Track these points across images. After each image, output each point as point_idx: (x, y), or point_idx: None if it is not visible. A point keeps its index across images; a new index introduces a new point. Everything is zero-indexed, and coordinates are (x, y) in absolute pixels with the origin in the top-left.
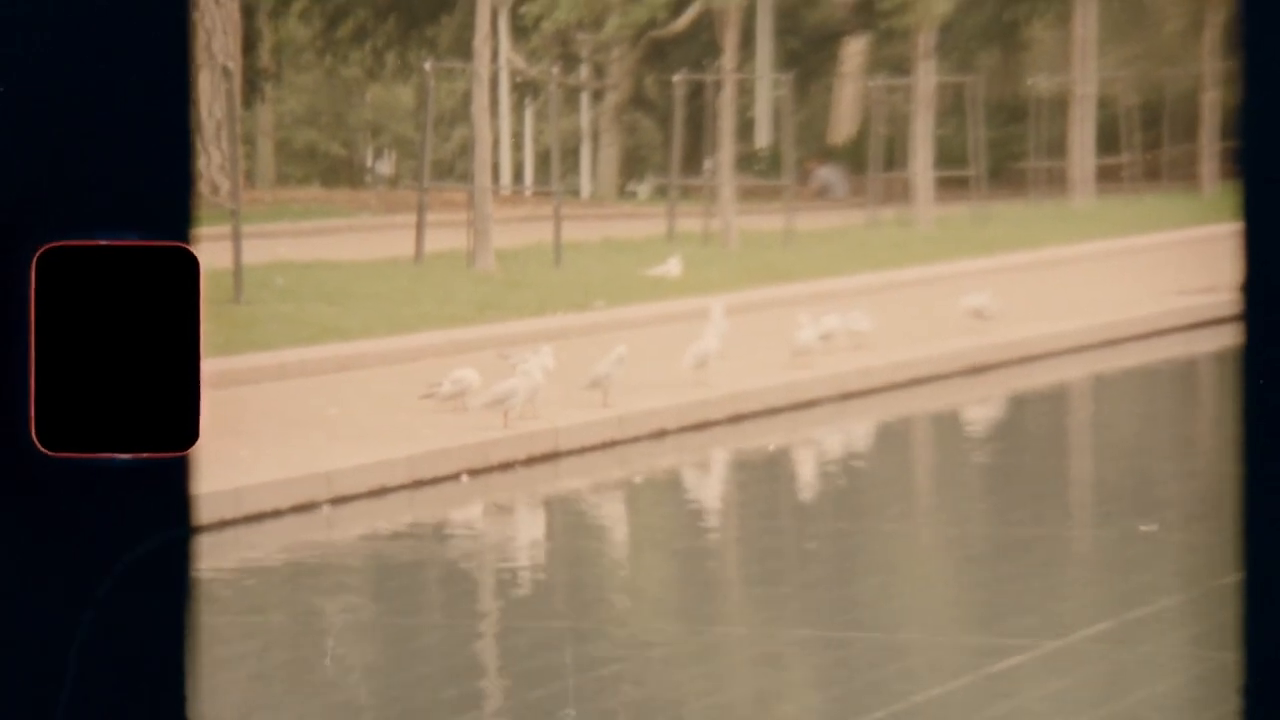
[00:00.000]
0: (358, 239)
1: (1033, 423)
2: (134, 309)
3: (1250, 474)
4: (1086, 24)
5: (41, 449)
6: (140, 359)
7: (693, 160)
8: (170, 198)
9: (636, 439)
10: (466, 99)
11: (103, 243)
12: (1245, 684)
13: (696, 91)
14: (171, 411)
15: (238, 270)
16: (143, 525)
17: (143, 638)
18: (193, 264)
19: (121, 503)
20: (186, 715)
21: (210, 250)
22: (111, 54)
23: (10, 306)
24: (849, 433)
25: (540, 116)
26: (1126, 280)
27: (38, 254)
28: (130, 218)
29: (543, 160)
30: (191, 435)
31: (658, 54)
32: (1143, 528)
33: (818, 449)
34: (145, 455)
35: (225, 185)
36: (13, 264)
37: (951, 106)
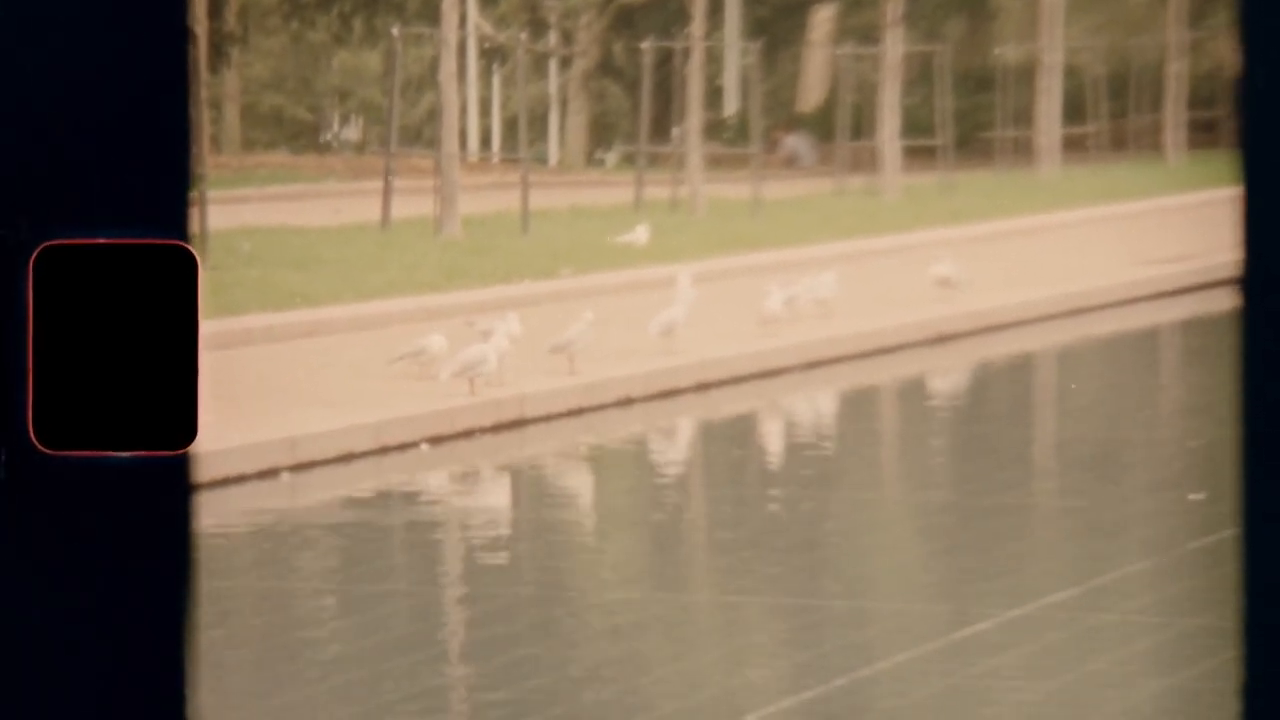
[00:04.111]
0: (324, 204)
1: (999, 391)
2: (132, 307)
3: (1249, 471)
4: None
5: (40, 448)
6: (139, 357)
7: (661, 128)
8: (168, 195)
9: (603, 406)
10: (434, 65)
11: (101, 241)
12: (1245, 685)
13: (665, 59)
14: (170, 409)
15: (203, 235)
16: (142, 523)
17: (142, 632)
18: (191, 261)
19: (120, 501)
20: (186, 714)
21: (194, 217)
22: (110, 51)
23: (8, 305)
24: (815, 401)
25: (508, 83)
26: (1092, 249)
27: (36, 252)
28: (128, 216)
29: (510, 127)
30: (190, 433)
31: (626, 21)
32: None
33: (784, 417)
34: (144, 453)
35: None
36: (11, 262)
37: (919, 75)
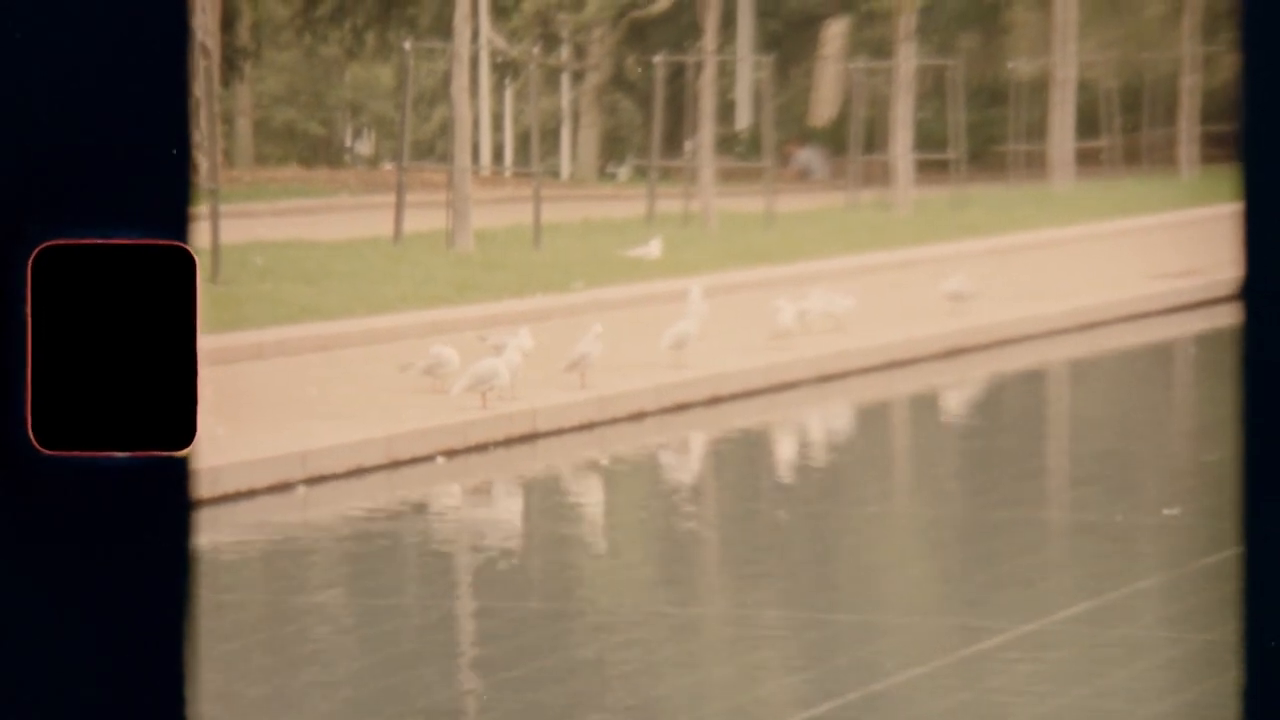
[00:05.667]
0: (336, 219)
1: (1011, 405)
2: (131, 307)
3: (1250, 473)
4: (1067, 7)
5: (38, 448)
6: (137, 357)
7: (673, 142)
8: (167, 196)
9: (615, 420)
10: (446, 79)
11: (99, 241)
12: (1245, 688)
13: (677, 73)
14: (169, 410)
15: (216, 249)
16: (140, 524)
17: (142, 637)
18: (190, 262)
19: (119, 502)
20: (185, 715)
21: (193, 218)
22: (109, 51)
23: (7, 305)
24: (828, 415)
25: (520, 97)
26: (1105, 264)
27: (34, 253)
28: (127, 216)
29: (522, 141)
30: (189, 434)
31: (638, 35)
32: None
33: (796, 431)
34: (143, 454)
35: (204, 164)
36: (9, 263)
37: (932, 89)
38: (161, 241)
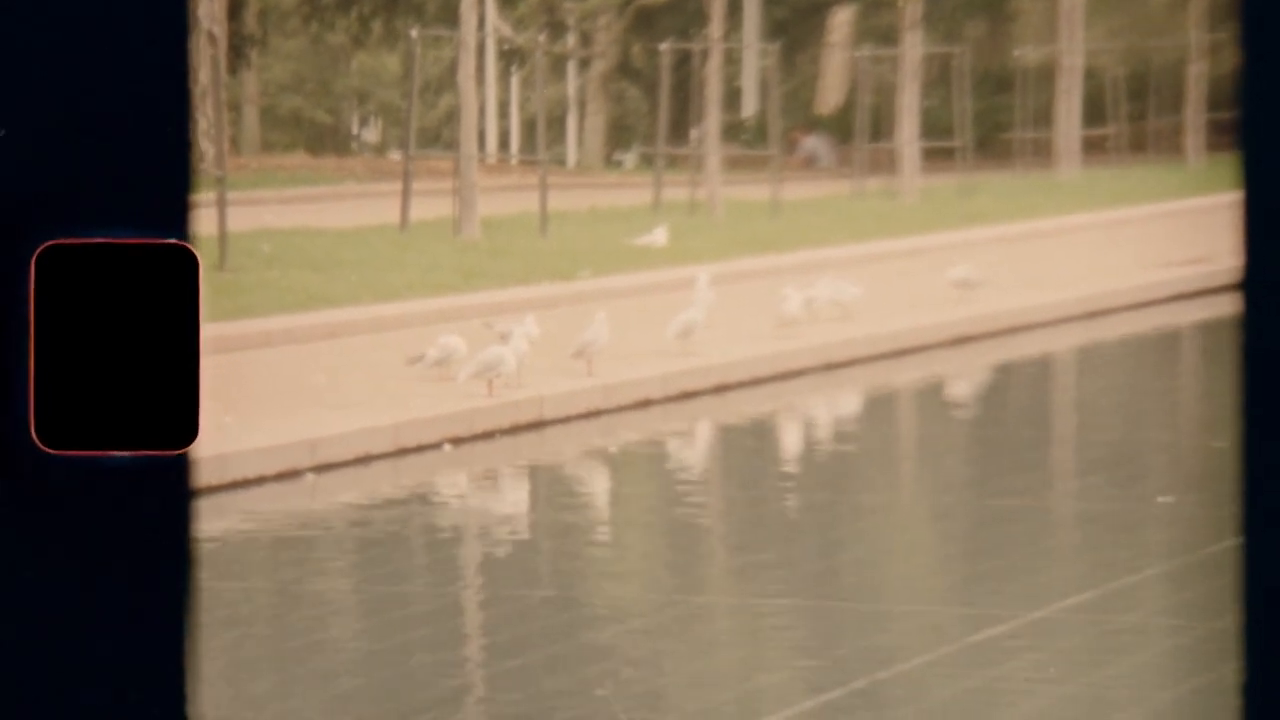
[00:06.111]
0: (343, 206)
1: (1017, 393)
2: (134, 307)
3: (1249, 464)
4: None
5: (41, 447)
6: (140, 357)
7: (679, 129)
8: (170, 195)
9: (621, 408)
10: (452, 66)
11: (102, 240)
12: (1246, 683)
13: (683, 60)
14: (171, 409)
15: (223, 237)
16: (142, 523)
17: (143, 636)
18: (192, 262)
19: (121, 501)
20: (186, 714)
21: (196, 217)
22: (110, 49)
23: (9, 305)
24: (834, 403)
25: (526, 84)
26: (1112, 251)
27: (37, 252)
28: (130, 215)
29: (528, 128)
30: (191, 433)
31: (645, 22)
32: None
33: (802, 419)
34: (145, 453)
35: (211, 152)
36: (12, 262)
37: (938, 77)
38: (164, 241)
